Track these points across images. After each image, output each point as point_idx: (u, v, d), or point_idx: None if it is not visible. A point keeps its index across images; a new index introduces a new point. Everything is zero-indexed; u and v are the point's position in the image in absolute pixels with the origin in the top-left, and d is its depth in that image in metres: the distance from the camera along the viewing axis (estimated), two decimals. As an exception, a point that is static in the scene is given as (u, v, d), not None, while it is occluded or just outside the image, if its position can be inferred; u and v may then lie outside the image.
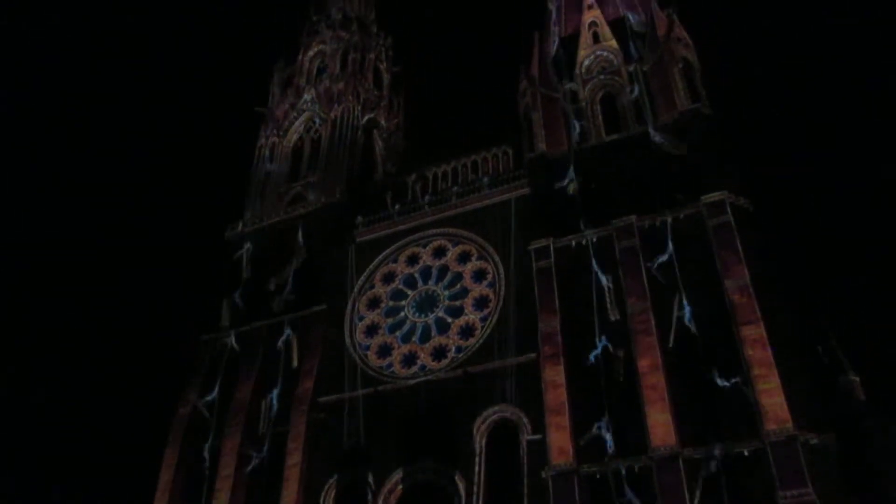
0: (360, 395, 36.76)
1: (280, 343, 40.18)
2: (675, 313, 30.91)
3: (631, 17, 43.60)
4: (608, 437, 29.26)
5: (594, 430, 29.56)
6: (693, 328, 30.36)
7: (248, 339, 41.73)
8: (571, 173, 36.92)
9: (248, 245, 46.35)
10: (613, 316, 32.21)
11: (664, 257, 32.64)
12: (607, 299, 32.82)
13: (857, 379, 36.16)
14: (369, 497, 33.81)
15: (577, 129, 39.37)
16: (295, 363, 39.37)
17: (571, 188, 36.73)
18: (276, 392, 38.72)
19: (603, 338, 31.71)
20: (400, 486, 33.74)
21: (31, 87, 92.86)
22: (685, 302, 31.06)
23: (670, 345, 30.36)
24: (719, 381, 28.42)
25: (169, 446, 39.75)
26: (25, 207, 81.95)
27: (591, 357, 31.41)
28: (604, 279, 33.27)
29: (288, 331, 40.38)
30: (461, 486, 31.95)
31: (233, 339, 41.93)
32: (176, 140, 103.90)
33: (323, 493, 34.82)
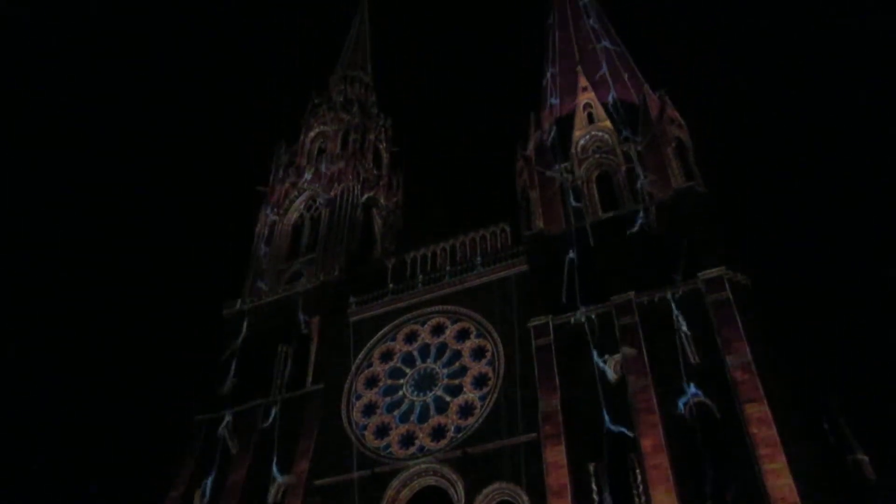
0: (357, 477, 35.86)
1: (276, 422, 39.59)
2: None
3: (624, 99, 44.78)
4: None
5: None
6: (696, 406, 29.91)
7: (243, 419, 41.00)
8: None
9: (245, 323, 46.17)
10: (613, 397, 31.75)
11: (664, 333, 32.48)
12: (608, 377, 32.48)
13: (866, 458, 35.28)
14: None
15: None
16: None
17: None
18: (271, 474, 37.79)
19: (605, 416, 31.17)
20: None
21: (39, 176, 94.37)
22: (687, 379, 30.70)
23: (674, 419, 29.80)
24: (724, 462, 27.81)
25: (159, 532, 38.52)
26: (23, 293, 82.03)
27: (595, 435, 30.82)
28: (600, 361, 32.99)
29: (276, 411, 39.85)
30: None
31: (228, 418, 41.26)
32: (178, 218, 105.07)
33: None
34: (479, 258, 42.30)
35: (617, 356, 33.13)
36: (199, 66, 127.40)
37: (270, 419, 40.18)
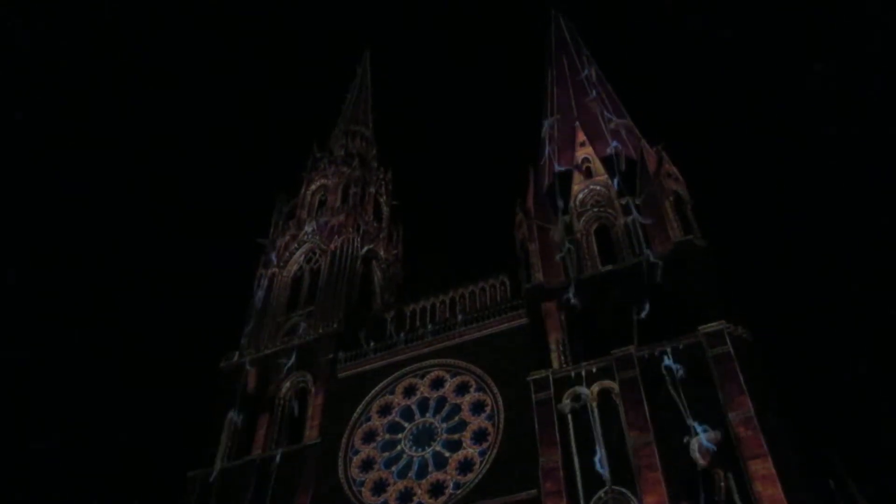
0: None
1: (272, 478, 38.89)
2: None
3: (621, 153, 45.29)
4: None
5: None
6: (699, 462, 29.40)
7: (238, 474, 40.26)
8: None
9: (243, 375, 45.76)
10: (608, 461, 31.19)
11: (665, 388, 32.13)
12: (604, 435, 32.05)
13: (873, 515, 34.59)
14: None
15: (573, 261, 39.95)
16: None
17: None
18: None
19: (606, 472, 30.61)
20: None
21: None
22: (690, 433, 30.24)
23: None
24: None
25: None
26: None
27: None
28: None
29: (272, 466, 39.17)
30: None
31: (219, 474, 40.57)
32: (177, 270, 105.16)
33: None
34: (478, 311, 42.22)
35: None
36: (202, 119, 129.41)
37: (266, 474, 39.43)
